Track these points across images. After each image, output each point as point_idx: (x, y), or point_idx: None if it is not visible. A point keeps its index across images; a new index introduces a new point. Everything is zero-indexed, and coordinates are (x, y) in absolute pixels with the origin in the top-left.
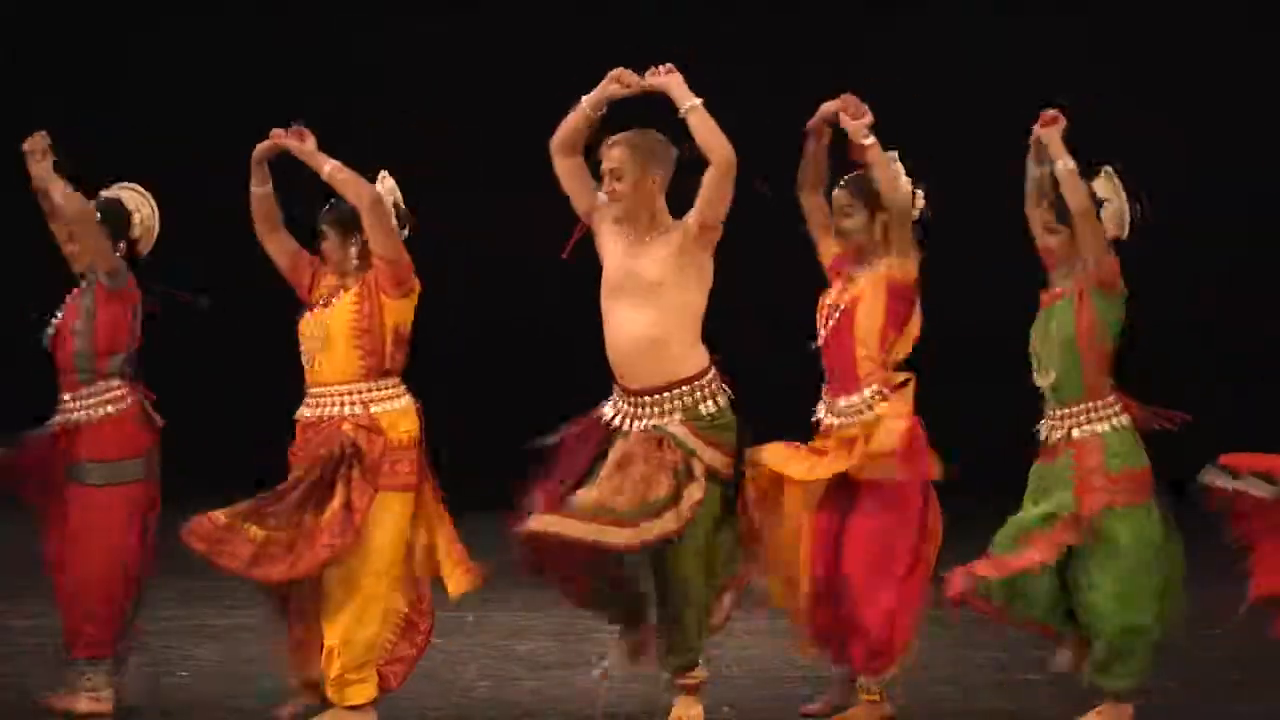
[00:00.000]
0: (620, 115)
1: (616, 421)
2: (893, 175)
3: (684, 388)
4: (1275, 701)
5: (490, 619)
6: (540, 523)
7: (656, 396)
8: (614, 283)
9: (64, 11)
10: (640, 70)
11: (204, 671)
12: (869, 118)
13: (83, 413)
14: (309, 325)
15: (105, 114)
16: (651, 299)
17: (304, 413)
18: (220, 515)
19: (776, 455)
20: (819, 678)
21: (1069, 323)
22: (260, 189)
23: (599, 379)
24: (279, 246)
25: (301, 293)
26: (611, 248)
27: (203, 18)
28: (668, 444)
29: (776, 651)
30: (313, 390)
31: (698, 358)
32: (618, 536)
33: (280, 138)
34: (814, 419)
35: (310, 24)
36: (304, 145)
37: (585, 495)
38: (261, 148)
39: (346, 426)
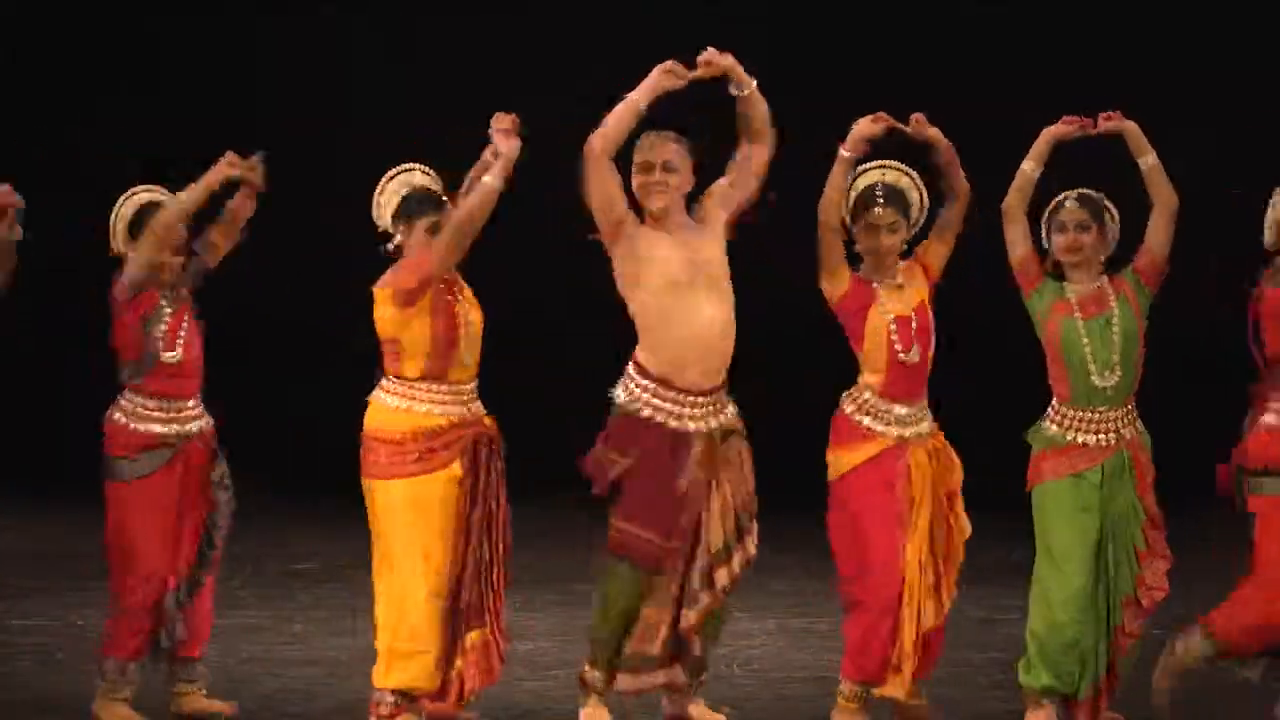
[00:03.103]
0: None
1: (692, 426)
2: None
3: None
4: (1275, 702)
5: None
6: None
7: (720, 390)
8: (678, 277)
9: (66, 10)
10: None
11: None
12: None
13: (208, 417)
14: (461, 320)
15: (108, 112)
16: (724, 289)
17: (452, 410)
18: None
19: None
20: (820, 678)
21: (1132, 320)
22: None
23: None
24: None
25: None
26: (657, 244)
27: (211, 17)
28: (735, 446)
29: (778, 652)
30: (459, 387)
31: None
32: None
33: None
34: (856, 428)
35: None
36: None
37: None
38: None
39: (488, 421)
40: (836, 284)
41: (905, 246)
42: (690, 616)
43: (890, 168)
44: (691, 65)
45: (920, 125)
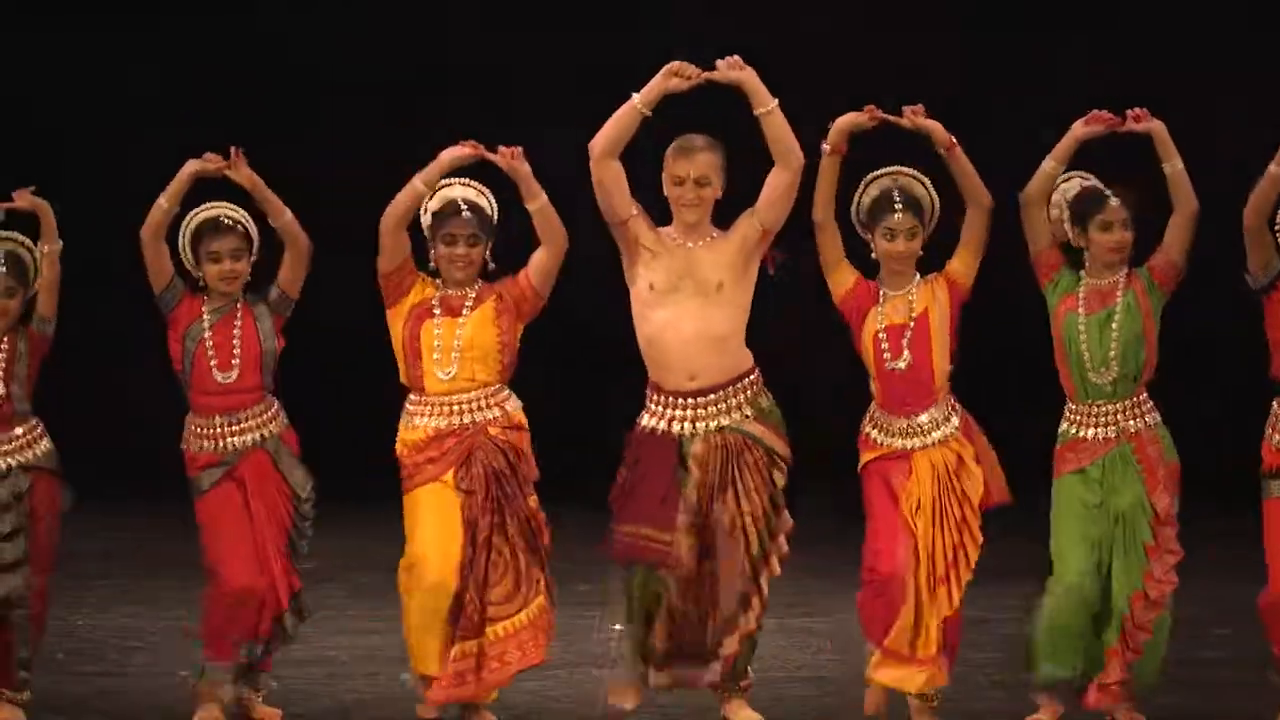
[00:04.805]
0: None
1: (677, 429)
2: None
3: (744, 382)
4: (1275, 702)
5: None
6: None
7: (719, 394)
8: (667, 285)
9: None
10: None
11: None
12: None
13: (271, 426)
14: (440, 334)
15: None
16: (715, 299)
17: (431, 423)
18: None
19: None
20: (821, 678)
21: (1138, 319)
22: (428, 190)
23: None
24: (400, 244)
25: (394, 296)
26: (659, 251)
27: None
28: (747, 444)
29: (778, 652)
30: (441, 398)
31: (748, 354)
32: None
33: (486, 152)
34: (865, 438)
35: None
36: (523, 167)
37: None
38: (461, 155)
39: (494, 430)
40: (839, 281)
41: (922, 253)
42: (730, 644)
43: (902, 173)
44: (709, 67)
45: (915, 117)
